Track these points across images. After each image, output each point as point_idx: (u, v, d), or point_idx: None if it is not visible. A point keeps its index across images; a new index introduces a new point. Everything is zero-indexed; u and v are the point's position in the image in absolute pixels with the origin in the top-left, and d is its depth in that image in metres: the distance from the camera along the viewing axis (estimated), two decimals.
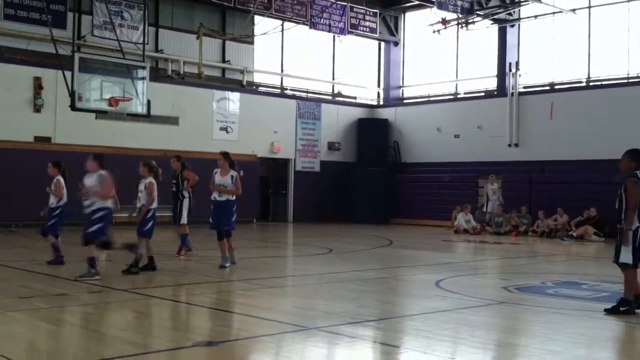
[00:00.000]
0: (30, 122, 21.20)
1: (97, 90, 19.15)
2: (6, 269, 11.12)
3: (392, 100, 30.72)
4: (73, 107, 18.08)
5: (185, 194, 13.29)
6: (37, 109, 21.32)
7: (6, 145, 20.40)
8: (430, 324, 7.32)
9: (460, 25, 26.72)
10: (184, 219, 13.23)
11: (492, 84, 27.61)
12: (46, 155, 20.93)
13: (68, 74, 17.70)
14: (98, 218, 9.76)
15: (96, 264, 9.79)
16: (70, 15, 22.18)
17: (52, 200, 11.85)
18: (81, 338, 6.52)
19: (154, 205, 11.00)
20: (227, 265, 11.44)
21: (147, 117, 19.84)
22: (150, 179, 11.07)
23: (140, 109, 19.48)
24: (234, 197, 11.76)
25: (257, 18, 26.45)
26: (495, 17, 26.30)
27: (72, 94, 17.84)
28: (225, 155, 11.82)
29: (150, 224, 10.94)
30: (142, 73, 19.68)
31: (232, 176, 11.73)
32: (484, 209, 23.93)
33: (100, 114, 20.73)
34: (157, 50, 24.53)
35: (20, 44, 21.70)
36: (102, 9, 22.42)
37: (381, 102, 31.04)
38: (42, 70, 21.14)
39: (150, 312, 8.09)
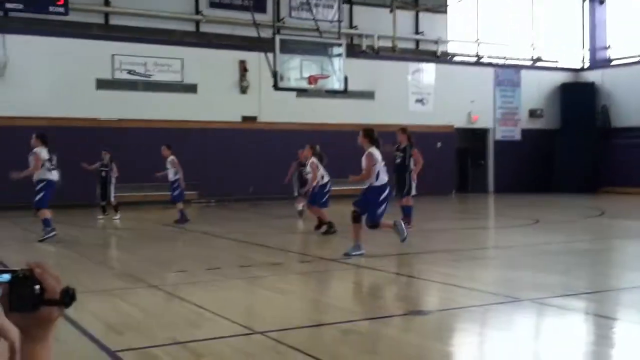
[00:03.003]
0: (238, 103, 22.53)
1: (297, 69, 19.86)
2: (223, 240, 11.96)
3: (599, 62, 28.78)
4: (276, 87, 18.90)
5: (411, 167, 12.91)
6: (244, 90, 22.59)
7: (217, 126, 21.85)
8: None
9: None
10: (413, 191, 13.01)
11: None
12: (253, 133, 22.28)
13: (270, 55, 18.52)
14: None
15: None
16: None
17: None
18: (297, 304, 6.86)
19: (326, 179, 12.48)
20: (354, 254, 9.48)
21: (345, 93, 20.26)
22: (312, 159, 12.54)
23: (338, 85, 19.92)
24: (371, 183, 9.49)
25: None
26: None
27: (274, 75, 18.66)
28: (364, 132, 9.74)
29: (327, 196, 12.53)
30: (338, 50, 20.09)
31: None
32: None
33: (300, 92, 21.52)
34: (351, 27, 24.90)
35: (225, 30, 23.06)
36: None
37: (586, 65, 29.20)
38: (247, 53, 22.31)
39: (360, 281, 8.32)
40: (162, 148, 15.07)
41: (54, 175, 11.73)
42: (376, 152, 9.31)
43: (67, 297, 1.48)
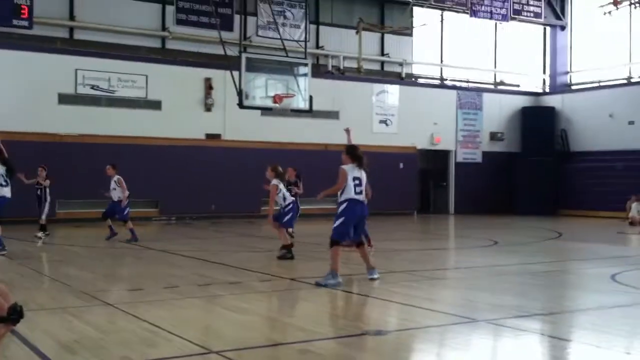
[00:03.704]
0: (202, 120, 22.45)
1: (262, 88, 19.88)
2: (182, 258, 11.85)
3: (559, 87, 29.39)
4: (241, 105, 18.88)
5: None
6: (208, 108, 22.54)
7: (180, 143, 21.74)
8: (606, 318, 6.97)
9: (633, 5, 25.04)
10: None
11: None
12: (217, 151, 22.20)
13: (235, 73, 18.51)
14: None
15: None
16: (236, 17, 23.22)
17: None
18: (255, 324, 6.82)
19: (288, 200, 11.98)
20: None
21: (310, 112, 20.32)
22: (273, 182, 11.90)
23: (303, 104, 19.98)
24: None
25: (415, 9, 26.29)
26: None
27: (239, 93, 18.65)
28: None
29: (289, 216, 12.00)
30: (304, 70, 20.18)
31: None
32: None
33: (265, 110, 21.53)
34: (317, 47, 25.07)
35: (191, 47, 23.03)
36: (266, 9, 23.25)
37: (547, 90, 29.79)
38: (212, 71, 22.29)
39: (319, 300, 8.30)
40: (107, 167, 14.88)
41: (7, 192, 11.52)
42: (350, 170, 9.12)
43: (15, 313, 1.46)
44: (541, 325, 6.80)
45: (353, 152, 9.31)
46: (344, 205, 9.07)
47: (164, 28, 22.66)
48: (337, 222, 9.07)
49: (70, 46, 21.27)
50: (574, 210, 26.01)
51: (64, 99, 20.59)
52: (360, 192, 9.16)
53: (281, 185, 12.07)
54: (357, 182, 9.13)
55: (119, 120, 21.09)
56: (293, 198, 12.33)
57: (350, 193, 9.06)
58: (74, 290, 8.30)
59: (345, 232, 9.11)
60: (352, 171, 9.16)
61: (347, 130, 12.77)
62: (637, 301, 7.96)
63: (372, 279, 9.23)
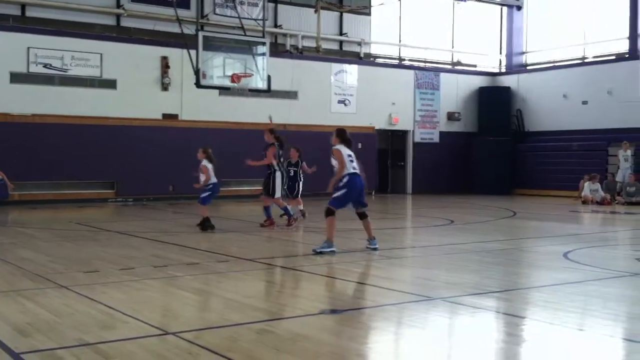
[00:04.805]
0: (159, 100, 22.12)
1: (220, 67, 19.74)
2: (140, 240, 11.74)
3: (515, 67, 29.74)
4: (198, 85, 18.72)
5: (275, 167, 13.47)
6: (165, 87, 22.21)
7: (136, 123, 21.41)
8: (559, 295, 7.12)
9: None
10: (277, 193, 13.45)
11: (623, 46, 26.15)
12: (173, 131, 21.94)
13: (193, 52, 18.29)
14: None
15: None
16: None
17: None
18: (213, 304, 6.81)
19: (212, 180, 13.05)
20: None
21: (268, 92, 20.25)
22: (203, 162, 13.11)
23: (261, 84, 19.91)
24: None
25: None
26: None
27: (196, 72, 18.49)
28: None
29: (206, 194, 13.14)
30: (262, 49, 20.08)
31: None
32: (615, 178, 22.77)
33: (223, 90, 21.36)
34: (276, 26, 24.87)
35: (147, 25, 22.61)
36: None
37: (503, 70, 30.12)
38: (169, 49, 21.96)
39: (276, 280, 8.33)
40: None
41: None
42: (343, 149, 10.00)
43: None
44: (496, 302, 6.92)
45: (342, 135, 10.23)
46: (345, 179, 9.89)
47: (118, 5, 22.20)
48: (338, 193, 9.91)
49: (22, 24, 20.71)
50: (528, 189, 26.46)
51: (15, 77, 20.08)
52: (356, 168, 10.02)
53: (210, 166, 13.02)
54: (350, 158, 10.03)
55: (73, 99, 20.67)
56: (216, 181, 13.09)
57: (348, 169, 9.91)
58: (27, 273, 8.17)
59: (344, 202, 9.97)
60: (344, 149, 10.05)
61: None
62: (589, 278, 8.15)
63: (373, 249, 10.11)
